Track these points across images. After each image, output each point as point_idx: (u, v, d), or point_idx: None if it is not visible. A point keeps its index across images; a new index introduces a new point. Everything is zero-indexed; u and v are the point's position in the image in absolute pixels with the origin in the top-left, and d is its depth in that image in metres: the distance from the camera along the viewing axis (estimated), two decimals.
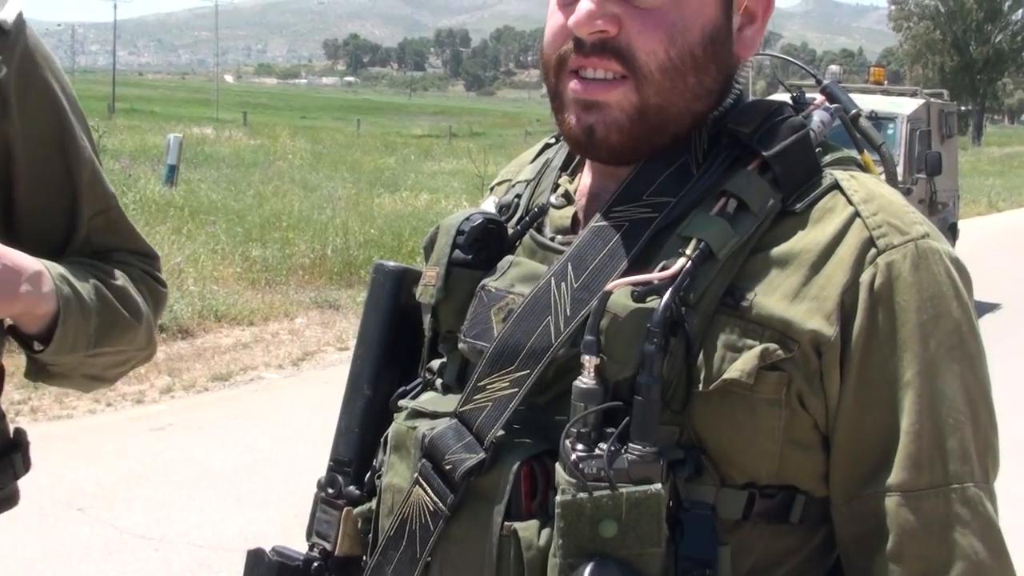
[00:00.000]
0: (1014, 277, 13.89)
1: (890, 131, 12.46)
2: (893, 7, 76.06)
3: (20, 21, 1.57)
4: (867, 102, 11.75)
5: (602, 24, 1.18)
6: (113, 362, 1.71)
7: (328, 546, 1.40)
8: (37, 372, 1.62)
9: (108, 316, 1.60)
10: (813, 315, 1.14)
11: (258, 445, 6.47)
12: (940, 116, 14.10)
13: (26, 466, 1.71)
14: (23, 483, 1.69)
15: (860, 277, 1.15)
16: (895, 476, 1.14)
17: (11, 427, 1.72)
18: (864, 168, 1.28)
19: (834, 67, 14.47)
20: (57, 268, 1.54)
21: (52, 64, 1.63)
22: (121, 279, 1.65)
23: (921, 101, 13.65)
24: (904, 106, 13.11)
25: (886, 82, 14.83)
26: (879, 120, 11.72)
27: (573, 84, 1.23)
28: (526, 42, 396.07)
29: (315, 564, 1.41)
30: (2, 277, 1.43)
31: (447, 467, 1.19)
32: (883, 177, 1.34)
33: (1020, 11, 73.27)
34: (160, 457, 6.20)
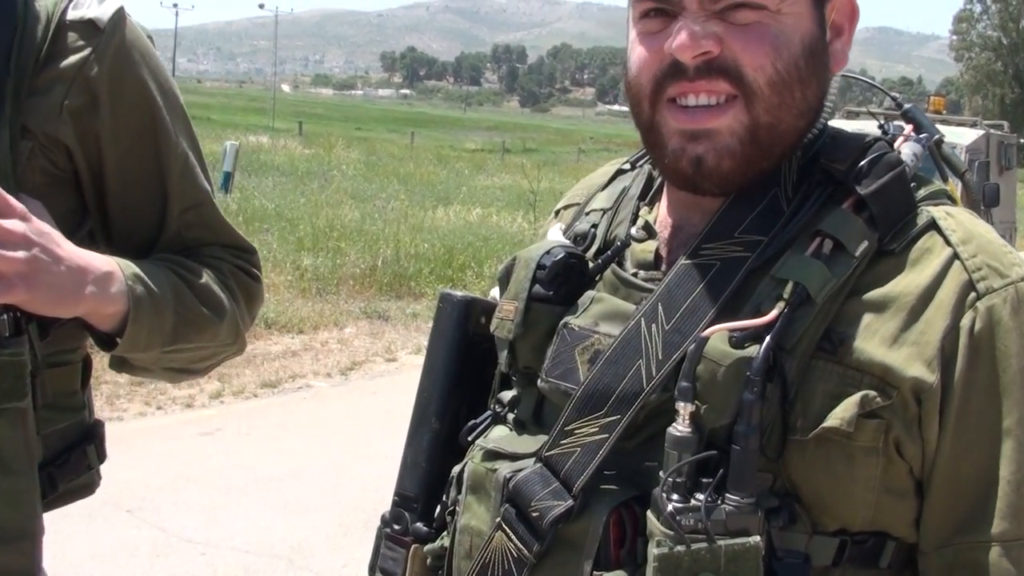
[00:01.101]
0: None
1: None
2: (955, 37, 75.32)
3: (118, 17, 1.59)
4: None
5: (707, 44, 1.15)
6: (197, 357, 1.72)
7: None
8: (119, 364, 1.65)
9: (185, 315, 1.61)
10: (913, 361, 1.11)
11: (305, 452, 6.50)
12: (999, 147, 13.95)
13: (100, 457, 1.74)
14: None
15: (960, 322, 1.12)
16: (997, 526, 1.12)
17: (91, 419, 1.75)
18: (952, 199, 1.24)
19: (894, 95, 14.33)
20: (131, 268, 1.56)
21: (150, 60, 1.64)
22: (205, 276, 1.66)
23: (980, 132, 13.52)
24: (963, 136, 12.99)
25: (945, 111, 14.70)
26: None
27: (676, 115, 1.19)
28: (582, 60, 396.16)
29: None
30: (65, 279, 1.45)
31: (533, 514, 1.16)
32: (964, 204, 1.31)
33: None
34: (208, 461, 6.25)
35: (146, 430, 6.86)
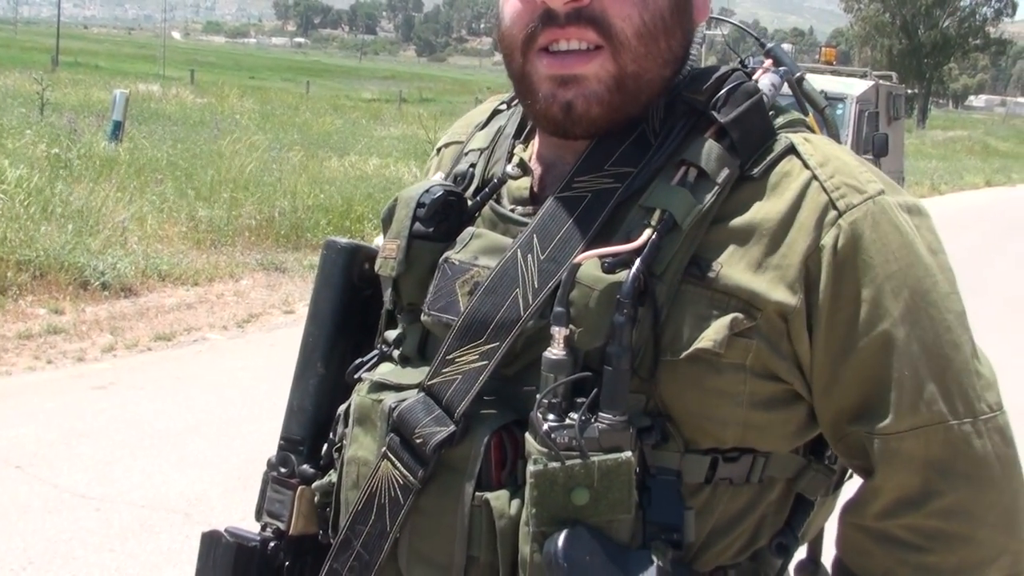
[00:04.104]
0: (957, 259, 14.03)
1: (839, 111, 12.59)
2: None
3: None
4: (817, 82, 11.88)
5: None
6: None
7: (281, 525, 1.40)
8: None
9: None
10: (777, 285, 1.17)
11: (201, 406, 6.42)
12: (888, 98, 14.27)
13: None
14: None
15: (823, 240, 1.17)
16: (882, 421, 1.17)
17: None
18: (812, 130, 1.30)
19: (785, 46, 14.58)
20: None
21: None
22: None
23: (871, 83, 13.80)
24: (854, 87, 13.27)
25: (836, 63, 14.97)
26: (829, 100, 11.85)
27: (546, 61, 1.22)
28: (479, 9, 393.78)
29: (271, 544, 1.41)
30: None
31: (417, 440, 1.20)
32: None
33: None
34: (101, 416, 6.13)
35: (36, 384, 6.70)
